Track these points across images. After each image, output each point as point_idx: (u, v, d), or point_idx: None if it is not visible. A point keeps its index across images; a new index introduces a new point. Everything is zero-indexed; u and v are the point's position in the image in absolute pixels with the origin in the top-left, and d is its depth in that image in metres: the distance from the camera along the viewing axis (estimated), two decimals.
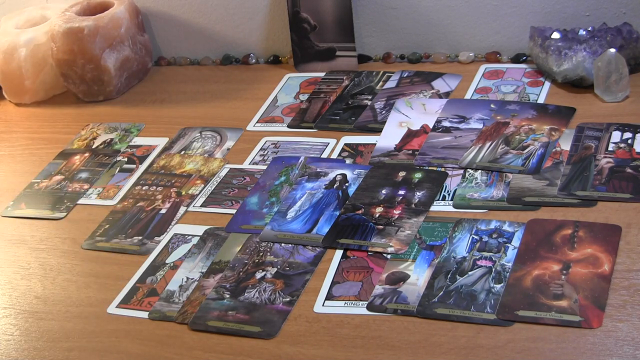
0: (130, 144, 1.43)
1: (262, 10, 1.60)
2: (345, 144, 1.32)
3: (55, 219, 1.28)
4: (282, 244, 1.14)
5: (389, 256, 1.08)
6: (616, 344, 0.91)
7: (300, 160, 1.29)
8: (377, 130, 1.34)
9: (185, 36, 1.66)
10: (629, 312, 0.94)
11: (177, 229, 1.21)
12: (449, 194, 1.17)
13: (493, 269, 1.03)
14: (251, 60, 1.63)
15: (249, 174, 1.29)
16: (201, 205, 1.25)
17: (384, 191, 1.19)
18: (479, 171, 1.20)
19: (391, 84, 1.46)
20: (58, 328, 1.08)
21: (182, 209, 1.24)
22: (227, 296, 1.07)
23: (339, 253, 1.11)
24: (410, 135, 1.30)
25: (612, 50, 1.30)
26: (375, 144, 1.30)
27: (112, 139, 1.45)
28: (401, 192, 1.18)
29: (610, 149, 1.19)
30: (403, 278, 1.04)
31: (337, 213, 1.17)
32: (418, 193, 1.18)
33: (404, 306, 1.00)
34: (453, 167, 1.22)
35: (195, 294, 1.08)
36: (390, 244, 1.09)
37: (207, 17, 1.64)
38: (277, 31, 1.60)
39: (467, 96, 1.39)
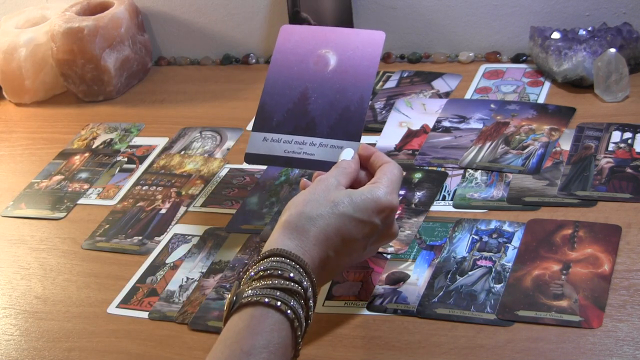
0: (130, 144, 1.43)
1: (262, 10, 1.60)
2: None
3: (55, 219, 1.28)
4: None
5: (389, 256, 1.08)
6: (616, 344, 0.91)
7: None
8: (377, 130, 1.33)
9: (185, 36, 1.66)
10: (629, 312, 0.94)
11: (177, 229, 1.21)
12: (449, 194, 1.17)
13: (493, 269, 1.02)
14: (251, 60, 1.63)
15: (249, 174, 1.29)
16: (201, 205, 1.25)
17: None
18: (479, 171, 1.20)
19: (391, 83, 1.46)
20: (58, 328, 1.08)
21: (182, 209, 1.24)
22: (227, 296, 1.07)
23: None
24: (410, 135, 1.30)
25: (612, 50, 1.30)
26: (375, 144, 1.30)
27: (112, 139, 1.45)
28: (401, 192, 1.18)
29: (610, 149, 1.19)
30: (403, 278, 1.04)
31: None
32: (418, 193, 1.17)
33: (404, 306, 1.00)
34: (453, 167, 1.22)
35: (195, 294, 1.08)
36: (390, 244, 1.09)
37: (207, 17, 1.64)
38: (277, 31, 1.59)
39: (467, 96, 1.39)
